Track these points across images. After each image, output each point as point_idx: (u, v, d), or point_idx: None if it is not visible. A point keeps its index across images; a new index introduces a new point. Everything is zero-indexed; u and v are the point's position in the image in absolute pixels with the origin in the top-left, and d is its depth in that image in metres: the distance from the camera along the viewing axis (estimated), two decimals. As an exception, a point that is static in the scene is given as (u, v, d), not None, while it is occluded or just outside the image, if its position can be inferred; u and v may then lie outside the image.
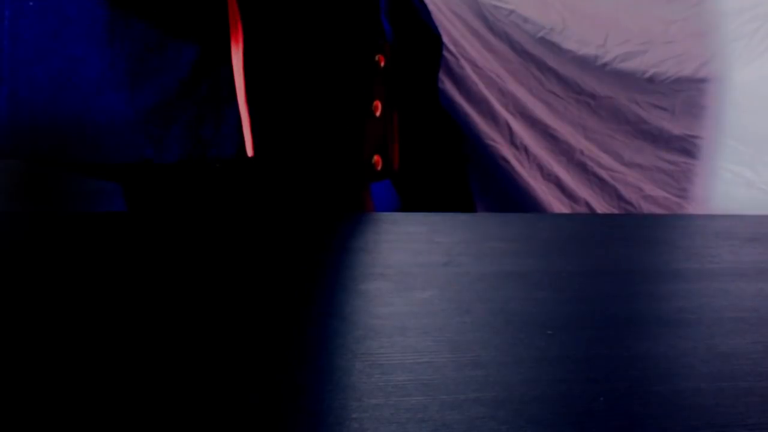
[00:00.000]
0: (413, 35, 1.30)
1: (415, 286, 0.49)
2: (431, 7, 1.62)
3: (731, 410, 0.30)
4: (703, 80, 2.38)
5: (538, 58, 2.13)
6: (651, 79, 2.34)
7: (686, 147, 2.40)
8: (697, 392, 0.32)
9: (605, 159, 2.32)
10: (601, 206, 2.32)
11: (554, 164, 1.94)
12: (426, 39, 1.35)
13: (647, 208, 2.34)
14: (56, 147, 0.69)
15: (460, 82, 1.71)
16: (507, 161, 1.78)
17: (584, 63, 2.25)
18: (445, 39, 1.66)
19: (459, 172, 1.62)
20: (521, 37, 2.20)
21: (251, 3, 0.67)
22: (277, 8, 0.70)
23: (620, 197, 2.34)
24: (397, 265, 0.54)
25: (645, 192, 2.35)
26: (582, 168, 2.27)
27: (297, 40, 0.72)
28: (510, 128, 1.80)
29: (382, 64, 0.79)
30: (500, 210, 1.72)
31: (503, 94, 1.82)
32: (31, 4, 0.66)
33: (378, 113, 0.78)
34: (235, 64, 0.67)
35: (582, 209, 2.08)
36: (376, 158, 0.78)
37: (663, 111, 2.38)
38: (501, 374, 0.34)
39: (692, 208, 2.37)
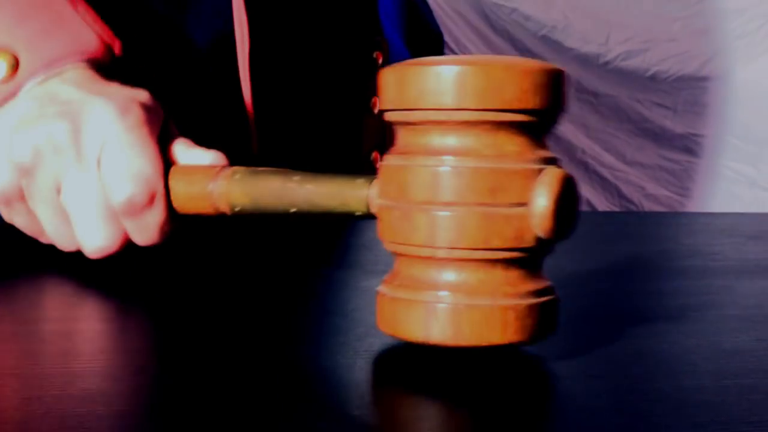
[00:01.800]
0: (415, 34, 1.30)
1: (416, 283, 0.48)
2: (433, 5, 1.62)
3: (735, 407, 0.30)
4: (705, 78, 2.38)
5: (540, 56, 2.12)
6: (653, 78, 2.34)
7: (688, 145, 2.39)
8: (701, 389, 0.32)
9: (607, 158, 2.32)
10: (602, 205, 2.31)
11: (555, 163, 1.94)
12: (428, 37, 1.35)
13: (649, 206, 2.33)
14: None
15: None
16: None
17: (586, 61, 2.25)
18: (447, 37, 1.66)
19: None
20: (523, 36, 2.19)
21: (257, 2, 0.67)
22: (279, 8, 0.70)
23: (622, 196, 2.34)
24: (399, 263, 0.54)
25: (647, 191, 2.35)
26: (583, 167, 2.27)
27: (297, 39, 0.72)
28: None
29: (380, 60, 0.79)
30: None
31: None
32: None
33: (376, 109, 0.78)
34: (240, 62, 0.67)
35: (583, 208, 2.09)
36: (374, 154, 0.78)
37: (665, 109, 2.38)
38: (502, 372, 0.34)
39: (694, 207, 2.37)
